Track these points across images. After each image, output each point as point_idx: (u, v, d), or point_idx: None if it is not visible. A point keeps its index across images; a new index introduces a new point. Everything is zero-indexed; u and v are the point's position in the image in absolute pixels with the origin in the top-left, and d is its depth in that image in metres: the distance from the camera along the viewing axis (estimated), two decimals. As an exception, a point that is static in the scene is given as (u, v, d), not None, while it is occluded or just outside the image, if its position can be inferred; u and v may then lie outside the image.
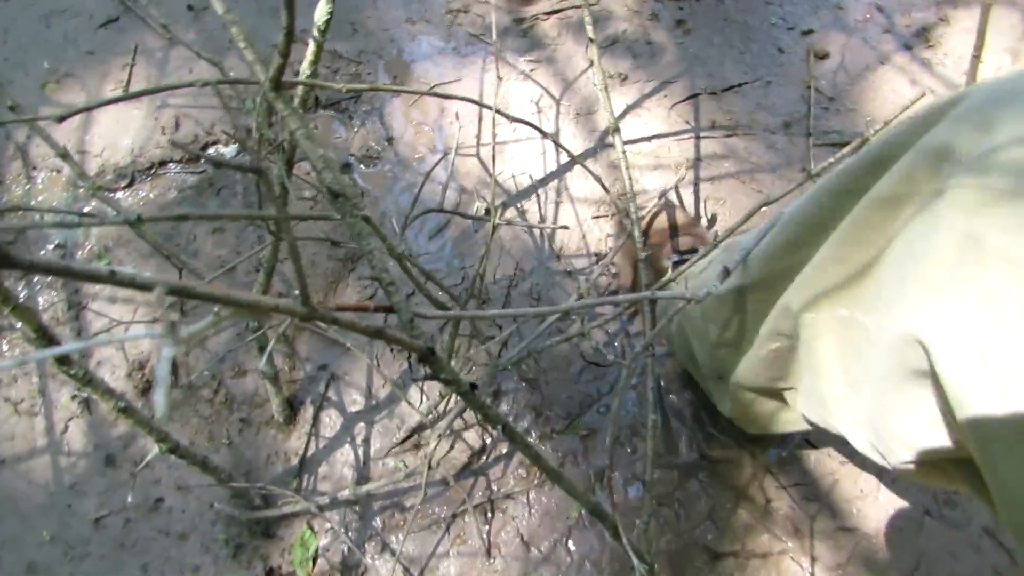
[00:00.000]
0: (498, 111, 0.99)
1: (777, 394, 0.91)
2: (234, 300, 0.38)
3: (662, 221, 1.30)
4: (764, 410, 0.97)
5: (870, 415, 0.66)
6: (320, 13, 0.87)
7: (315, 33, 0.87)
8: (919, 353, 0.52)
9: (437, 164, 1.18)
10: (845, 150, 0.88)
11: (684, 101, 1.53)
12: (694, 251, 1.23)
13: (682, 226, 1.29)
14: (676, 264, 1.22)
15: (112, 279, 0.31)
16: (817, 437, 1.23)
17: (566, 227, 1.40)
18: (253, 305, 0.39)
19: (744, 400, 0.98)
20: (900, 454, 0.62)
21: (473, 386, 0.61)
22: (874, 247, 0.62)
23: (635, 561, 0.82)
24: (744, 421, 1.05)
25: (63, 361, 0.82)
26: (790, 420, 0.97)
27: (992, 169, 0.48)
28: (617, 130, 1.25)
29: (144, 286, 0.32)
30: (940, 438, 0.56)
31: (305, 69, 0.97)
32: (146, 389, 1.30)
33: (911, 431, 0.59)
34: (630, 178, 1.26)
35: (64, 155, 1.04)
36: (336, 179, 0.68)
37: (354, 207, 0.67)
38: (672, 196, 1.42)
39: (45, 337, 0.79)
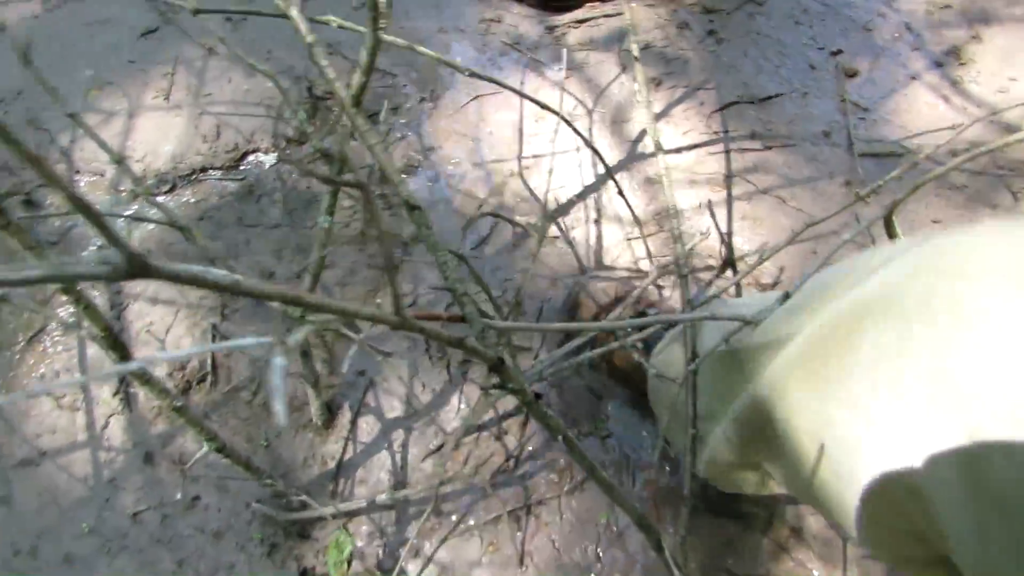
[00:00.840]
0: (563, 118, 1.01)
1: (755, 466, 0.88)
2: (339, 309, 0.40)
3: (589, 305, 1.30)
4: (739, 476, 0.96)
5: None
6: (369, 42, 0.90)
7: (364, 56, 0.90)
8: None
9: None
10: (894, 173, 0.90)
11: (722, 109, 1.56)
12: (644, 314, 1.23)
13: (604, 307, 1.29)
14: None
15: (237, 288, 0.34)
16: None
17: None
18: (353, 314, 0.41)
19: (721, 463, 0.94)
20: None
21: (538, 396, 0.63)
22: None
23: (676, 573, 0.84)
24: (720, 481, 1.03)
25: (122, 356, 0.85)
26: (762, 485, 0.96)
27: None
28: (660, 148, 1.26)
29: (265, 296, 0.35)
30: None
31: (356, 80, 1.00)
32: (186, 389, 1.33)
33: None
34: (672, 195, 1.28)
35: (119, 160, 1.07)
36: (410, 193, 0.71)
37: (425, 218, 0.70)
38: (708, 221, 1.44)
39: (111, 336, 0.82)
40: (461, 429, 1.21)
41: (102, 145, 1.04)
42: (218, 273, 0.35)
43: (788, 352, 0.67)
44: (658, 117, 1.55)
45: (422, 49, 0.95)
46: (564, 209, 1.44)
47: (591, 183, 1.49)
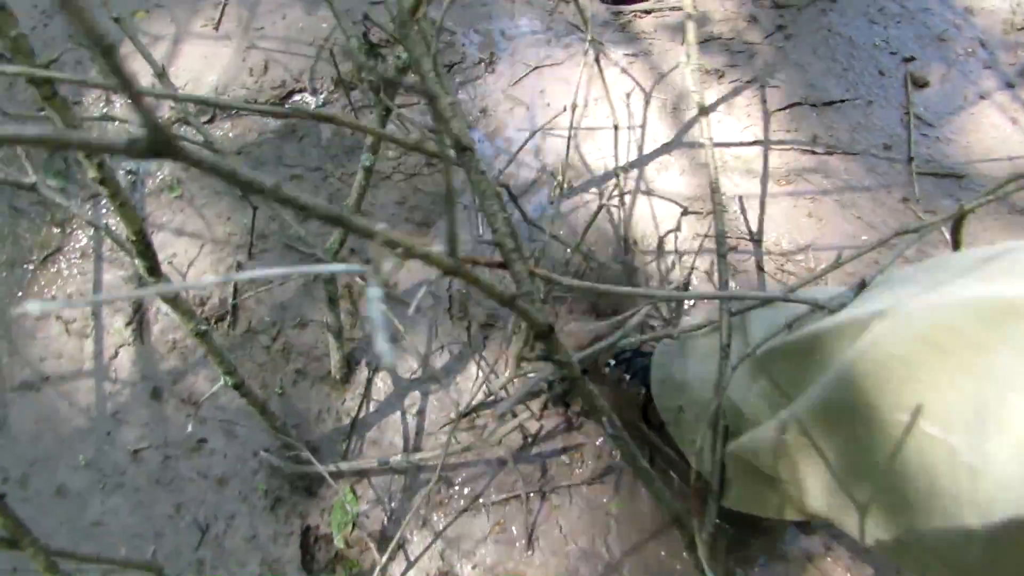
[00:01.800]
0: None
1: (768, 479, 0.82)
2: (388, 239, 0.35)
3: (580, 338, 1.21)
4: (764, 492, 0.90)
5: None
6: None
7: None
8: None
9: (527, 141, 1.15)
10: (971, 205, 0.82)
11: (784, 109, 1.49)
12: (633, 351, 1.17)
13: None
14: (616, 366, 1.15)
15: (276, 193, 0.30)
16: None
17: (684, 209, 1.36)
18: (403, 247, 0.35)
19: (737, 469, 0.89)
20: None
21: (584, 371, 0.56)
22: None
23: (707, 570, 0.78)
24: (731, 492, 0.97)
25: (151, 267, 0.78)
26: (776, 506, 0.90)
27: None
28: (704, 111, 1.18)
29: (306, 208, 0.32)
30: None
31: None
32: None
33: None
34: (716, 171, 1.22)
35: (161, 74, 1.01)
36: (464, 132, 0.65)
37: (477, 162, 0.63)
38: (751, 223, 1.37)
39: (143, 241, 0.75)
40: (482, 401, 1.15)
41: (146, 56, 0.98)
42: (251, 172, 0.30)
43: (896, 326, 0.60)
44: (715, 107, 1.48)
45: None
46: (613, 184, 1.37)
47: (636, 159, 1.42)
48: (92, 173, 0.66)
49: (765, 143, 1.45)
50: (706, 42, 1.59)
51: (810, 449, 0.71)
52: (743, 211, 1.37)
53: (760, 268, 1.31)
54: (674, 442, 1.04)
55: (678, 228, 1.34)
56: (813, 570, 1.10)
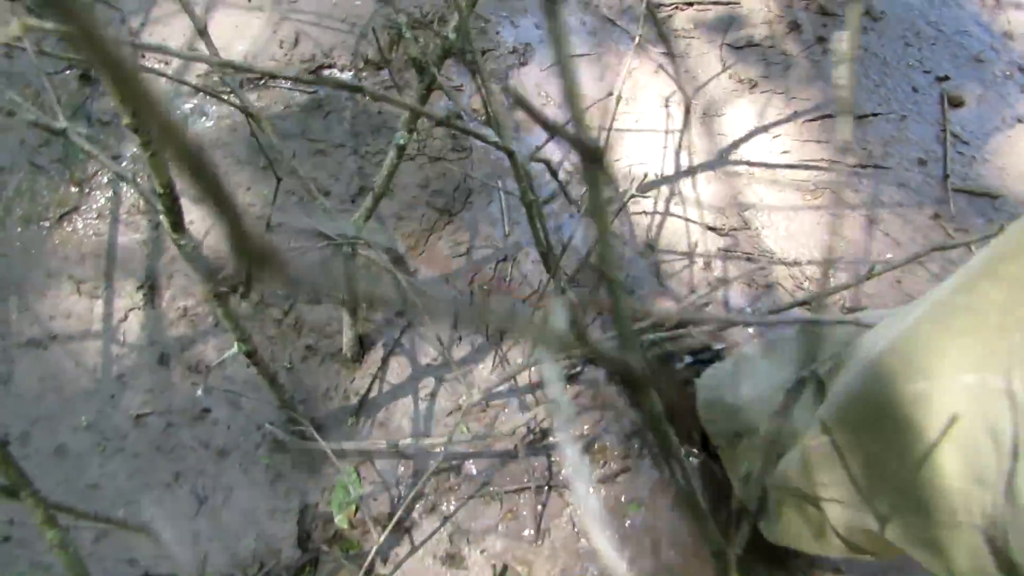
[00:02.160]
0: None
1: (814, 502, 0.79)
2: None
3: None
4: (790, 514, 0.87)
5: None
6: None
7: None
8: None
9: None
10: (984, 238, 0.80)
11: (816, 120, 1.47)
12: (707, 349, 1.15)
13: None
14: (689, 365, 1.13)
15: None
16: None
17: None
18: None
19: (777, 496, 0.86)
20: None
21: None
22: None
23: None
24: (771, 523, 0.94)
25: (176, 222, 0.77)
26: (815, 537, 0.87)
27: None
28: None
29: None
30: None
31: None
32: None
33: None
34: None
35: (203, 30, 1.00)
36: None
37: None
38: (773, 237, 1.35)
39: (170, 195, 0.74)
40: (497, 390, 1.13)
41: (190, 13, 0.97)
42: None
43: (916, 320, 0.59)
44: (751, 119, 1.47)
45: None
46: (644, 188, 1.35)
47: (677, 167, 1.40)
48: (126, 120, 0.64)
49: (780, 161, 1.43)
50: (743, 48, 1.57)
51: (831, 454, 0.69)
52: (766, 226, 1.35)
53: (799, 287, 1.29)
54: (723, 465, 1.02)
55: (707, 235, 1.33)
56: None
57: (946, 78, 1.57)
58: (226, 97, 1.23)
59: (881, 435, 0.62)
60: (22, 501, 0.65)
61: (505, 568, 1.08)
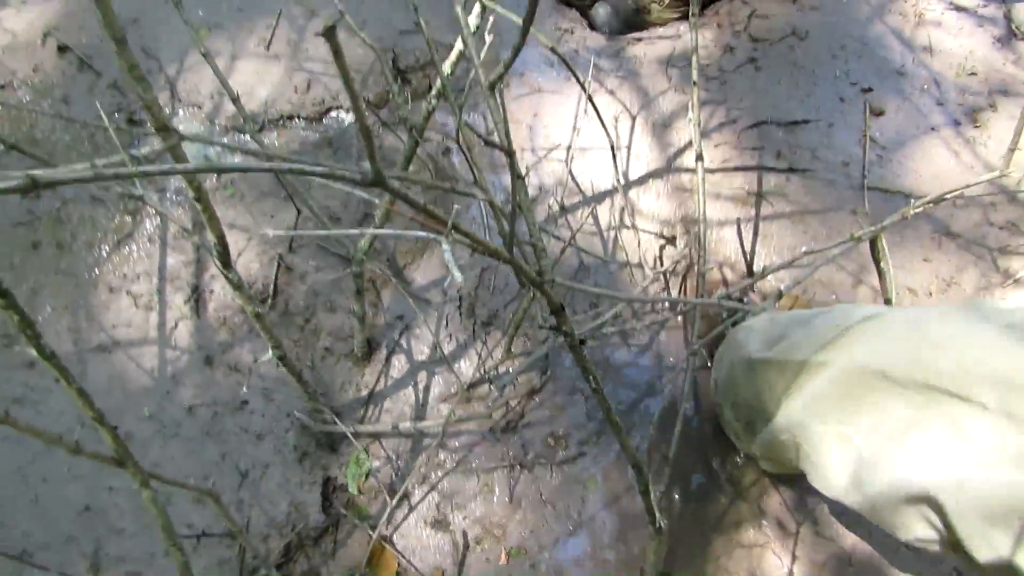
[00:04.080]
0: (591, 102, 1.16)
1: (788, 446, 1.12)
2: (471, 236, 0.57)
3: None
4: (780, 455, 1.17)
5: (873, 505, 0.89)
6: (471, 21, 1.06)
7: (465, 33, 1.06)
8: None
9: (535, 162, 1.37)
10: (886, 222, 1.05)
11: (753, 127, 1.70)
12: (740, 300, 1.43)
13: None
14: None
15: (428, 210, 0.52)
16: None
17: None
18: (478, 241, 0.57)
19: (765, 445, 1.18)
20: (902, 536, 0.84)
21: (582, 342, 0.79)
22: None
23: (657, 515, 1.01)
24: (766, 461, 1.25)
25: (226, 264, 1.02)
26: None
27: None
28: (700, 158, 1.43)
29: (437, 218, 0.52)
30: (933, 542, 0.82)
31: (447, 67, 1.16)
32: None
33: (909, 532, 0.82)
34: (704, 207, 1.44)
35: (236, 99, 1.25)
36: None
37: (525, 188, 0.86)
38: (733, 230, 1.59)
39: (222, 243, 0.99)
40: (477, 379, 1.38)
41: (224, 83, 1.22)
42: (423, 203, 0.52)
43: (819, 385, 0.94)
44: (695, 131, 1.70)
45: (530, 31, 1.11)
46: (598, 198, 1.60)
47: (628, 178, 1.64)
48: (191, 192, 0.90)
49: (699, 164, 1.66)
50: (685, 66, 1.80)
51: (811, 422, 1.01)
52: (705, 231, 1.59)
53: (725, 283, 1.53)
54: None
55: (662, 244, 1.57)
56: (743, 498, 1.33)
57: (870, 89, 1.78)
58: (249, 138, 1.49)
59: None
60: (126, 469, 0.92)
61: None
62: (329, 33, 0.38)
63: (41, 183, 0.42)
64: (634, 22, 1.92)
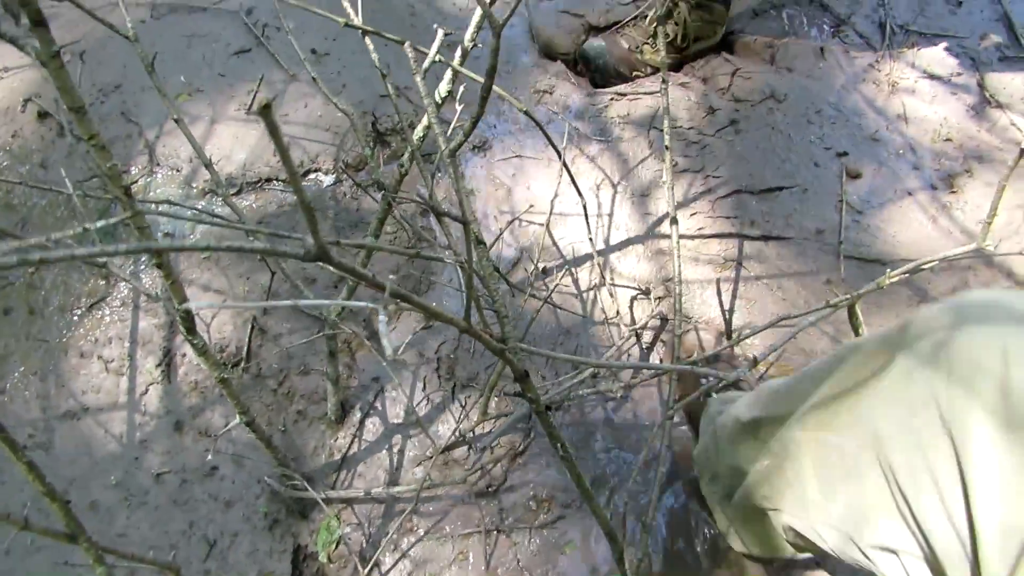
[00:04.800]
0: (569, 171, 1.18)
1: (765, 514, 1.07)
2: (424, 305, 0.57)
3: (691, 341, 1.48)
4: (755, 529, 1.14)
5: (843, 519, 0.82)
6: (442, 88, 1.08)
7: (433, 104, 1.08)
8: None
9: (508, 226, 1.38)
10: (862, 291, 1.05)
11: (727, 196, 1.72)
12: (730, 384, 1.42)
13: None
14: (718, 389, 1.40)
15: (366, 278, 0.51)
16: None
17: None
18: (430, 310, 0.57)
19: (740, 517, 1.15)
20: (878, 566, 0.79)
21: (548, 408, 0.78)
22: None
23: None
24: (742, 540, 1.21)
25: (189, 329, 1.01)
26: (778, 545, 1.14)
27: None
28: (675, 222, 1.44)
29: (379, 286, 0.52)
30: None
31: (419, 132, 1.18)
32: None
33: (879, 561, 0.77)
34: (679, 267, 1.45)
35: (208, 164, 1.26)
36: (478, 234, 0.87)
37: (487, 254, 0.86)
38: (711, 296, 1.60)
39: (187, 313, 0.98)
40: (452, 442, 1.36)
41: (198, 151, 1.23)
42: (370, 274, 0.52)
43: (792, 422, 0.91)
44: (674, 198, 1.72)
45: (509, 98, 1.12)
46: (578, 262, 1.60)
47: (607, 243, 1.65)
48: (156, 260, 0.89)
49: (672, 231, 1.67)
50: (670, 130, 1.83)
51: (781, 464, 0.95)
52: (680, 293, 1.59)
53: (701, 346, 1.53)
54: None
55: (634, 296, 1.57)
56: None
57: (845, 153, 1.81)
58: (222, 207, 1.49)
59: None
60: (79, 545, 0.89)
61: None
62: (264, 112, 0.38)
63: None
64: (626, 60, 1.96)
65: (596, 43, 2.00)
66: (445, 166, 0.85)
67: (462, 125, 1.02)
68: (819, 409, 0.85)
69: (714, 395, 1.33)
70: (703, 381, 1.41)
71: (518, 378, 0.75)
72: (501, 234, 1.63)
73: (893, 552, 0.75)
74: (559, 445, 0.83)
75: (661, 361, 1.54)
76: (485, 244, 0.80)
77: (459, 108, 1.06)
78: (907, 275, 1.14)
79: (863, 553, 0.80)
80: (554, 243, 1.66)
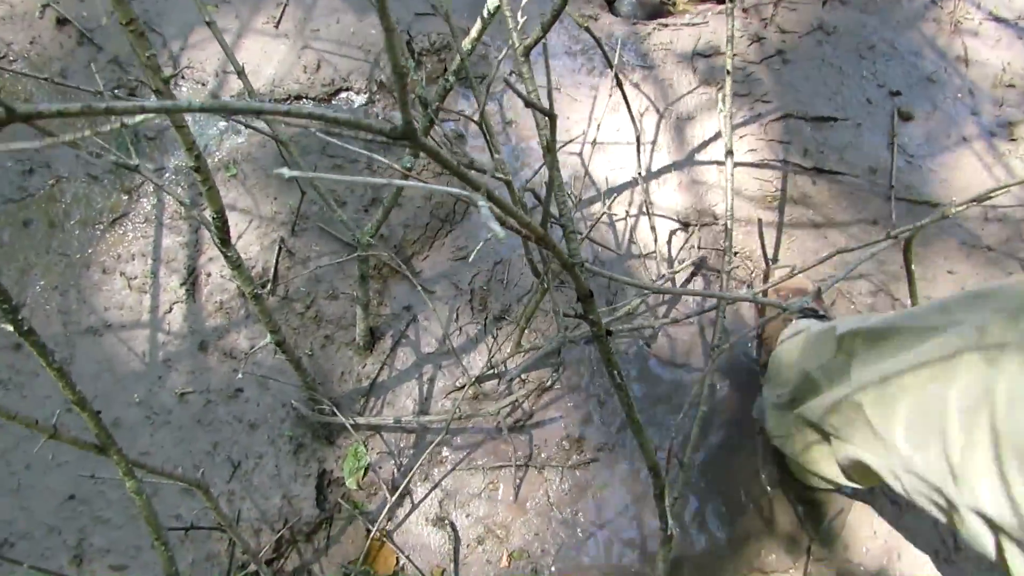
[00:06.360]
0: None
1: (826, 438, 1.05)
2: (504, 205, 0.51)
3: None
4: (810, 445, 1.10)
5: (931, 469, 0.79)
6: (490, 3, 1.01)
7: (485, 15, 1.01)
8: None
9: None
10: (926, 220, 0.99)
11: (778, 120, 1.64)
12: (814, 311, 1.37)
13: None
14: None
15: (450, 166, 0.45)
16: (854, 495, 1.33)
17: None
18: (509, 212, 0.51)
19: (796, 429, 1.11)
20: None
21: (609, 332, 0.73)
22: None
23: (669, 522, 0.95)
24: (791, 448, 1.17)
25: (224, 242, 0.96)
26: (823, 469, 1.11)
27: None
28: (730, 153, 1.38)
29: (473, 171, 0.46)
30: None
31: (467, 44, 1.10)
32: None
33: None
34: (732, 198, 1.38)
35: (240, 72, 1.19)
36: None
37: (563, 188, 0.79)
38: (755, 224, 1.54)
39: (221, 217, 0.93)
40: (484, 374, 1.32)
41: (230, 57, 1.16)
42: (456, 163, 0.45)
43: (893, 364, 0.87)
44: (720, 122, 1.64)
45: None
46: (617, 190, 1.54)
47: (650, 172, 1.58)
48: (190, 161, 0.84)
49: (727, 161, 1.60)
50: (710, 56, 1.74)
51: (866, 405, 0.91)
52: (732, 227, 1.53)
53: (748, 285, 1.47)
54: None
55: (674, 236, 1.51)
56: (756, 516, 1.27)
57: (898, 93, 1.72)
58: (255, 123, 1.42)
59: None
60: (109, 457, 0.85)
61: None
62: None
63: (18, 114, 0.36)
64: (658, 12, 1.87)
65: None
66: (518, 66, 0.78)
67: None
68: (934, 363, 0.80)
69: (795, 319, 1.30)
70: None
71: (582, 297, 0.70)
72: (542, 166, 1.56)
73: (992, 524, 0.72)
74: (615, 372, 0.78)
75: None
76: (555, 151, 0.74)
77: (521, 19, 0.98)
78: (968, 205, 1.08)
79: (951, 505, 0.77)
80: (589, 176, 1.59)
